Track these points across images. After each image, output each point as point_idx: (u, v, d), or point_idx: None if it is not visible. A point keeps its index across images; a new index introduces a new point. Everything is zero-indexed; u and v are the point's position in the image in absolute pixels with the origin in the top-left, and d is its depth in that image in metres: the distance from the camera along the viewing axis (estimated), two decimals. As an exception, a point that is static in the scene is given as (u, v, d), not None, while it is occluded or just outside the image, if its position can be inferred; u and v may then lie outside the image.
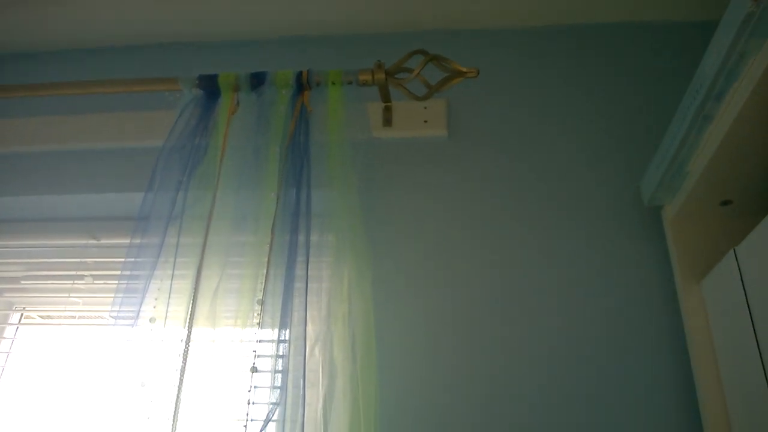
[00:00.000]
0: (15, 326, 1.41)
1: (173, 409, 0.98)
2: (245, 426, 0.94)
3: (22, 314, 1.42)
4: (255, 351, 1.00)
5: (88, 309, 1.33)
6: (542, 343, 1.12)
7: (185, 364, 1.00)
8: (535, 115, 1.37)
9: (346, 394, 0.98)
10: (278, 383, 0.98)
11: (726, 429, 0.97)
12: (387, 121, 1.36)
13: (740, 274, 0.92)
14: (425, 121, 1.36)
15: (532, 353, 1.12)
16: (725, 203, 1.07)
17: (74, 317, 1.35)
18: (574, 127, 1.35)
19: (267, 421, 0.94)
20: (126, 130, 1.44)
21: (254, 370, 0.99)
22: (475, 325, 1.15)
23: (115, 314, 1.10)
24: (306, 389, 0.97)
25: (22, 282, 1.40)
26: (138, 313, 1.07)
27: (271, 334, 1.02)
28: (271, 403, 0.96)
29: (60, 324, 1.34)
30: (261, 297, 1.06)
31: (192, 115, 1.28)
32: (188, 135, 1.26)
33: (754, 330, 0.87)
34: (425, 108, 1.37)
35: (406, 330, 1.16)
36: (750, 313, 0.88)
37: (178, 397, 0.99)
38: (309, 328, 1.02)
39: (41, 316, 1.46)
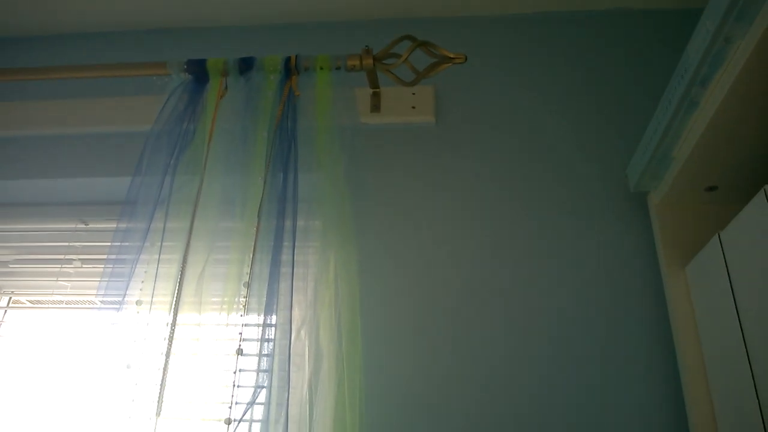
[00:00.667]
0: (3, 310, 1.41)
1: (158, 392, 0.98)
2: (230, 408, 0.95)
3: (10, 298, 1.42)
4: (241, 333, 1.00)
5: (76, 293, 1.33)
6: (526, 328, 1.13)
7: (171, 347, 1.01)
8: (521, 102, 1.37)
9: (331, 377, 0.98)
10: (264, 366, 0.99)
11: (710, 412, 0.97)
12: (375, 107, 1.36)
13: (724, 258, 0.92)
14: (413, 107, 1.36)
15: (516, 336, 1.12)
16: (710, 189, 1.07)
17: (62, 302, 1.35)
18: (560, 113, 1.35)
19: (251, 403, 0.95)
20: (115, 114, 1.43)
21: (240, 352, 0.99)
22: (459, 308, 1.16)
23: (101, 298, 1.10)
24: (291, 372, 0.97)
25: (11, 266, 1.39)
26: (124, 297, 1.07)
27: (257, 318, 1.02)
28: (257, 386, 0.96)
29: (48, 306, 1.34)
30: (247, 280, 1.06)
31: (180, 99, 1.27)
32: (176, 119, 1.25)
33: (737, 314, 0.88)
34: (413, 94, 1.37)
35: (392, 314, 1.17)
36: (734, 298, 0.89)
37: (163, 379, 0.99)
38: (295, 312, 1.03)
39: (30, 301, 1.46)
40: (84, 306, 1.37)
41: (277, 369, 0.97)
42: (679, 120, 0.97)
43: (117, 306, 1.07)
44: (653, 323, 1.10)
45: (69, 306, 1.36)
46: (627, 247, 1.18)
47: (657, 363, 1.07)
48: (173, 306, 1.05)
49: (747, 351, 0.85)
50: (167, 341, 1.01)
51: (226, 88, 1.28)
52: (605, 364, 1.08)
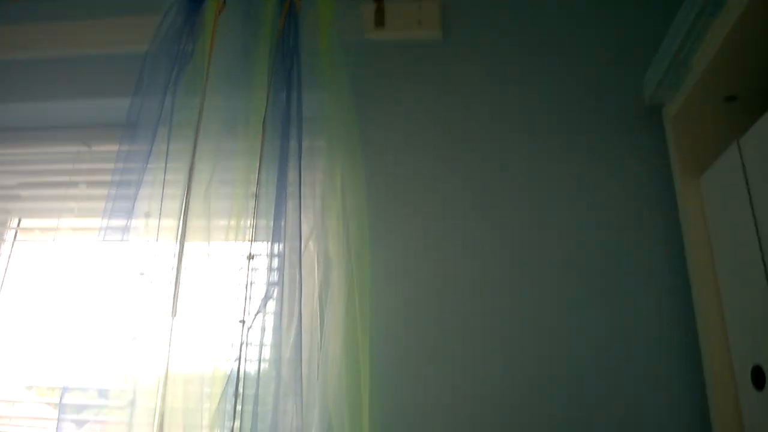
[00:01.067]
0: (13, 231, 1.41)
1: (173, 296, 0.99)
2: (244, 311, 0.95)
3: (19, 221, 1.41)
4: (251, 242, 1.00)
5: (83, 216, 1.31)
6: (541, 234, 1.12)
7: (181, 255, 1.01)
8: (530, 17, 1.31)
9: (341, 286, 0.99)
10: (275, 279, 0.99)
11: (720, 325, 0.97)
12: (379, 22, 1.30)
13: (743, 165, 0.90)
14: (419, 22, 1.30)
15: (527, 244, 1.12)
16: (730, 99, 1.03)
17: (70, 228, 1.34)
18: (574, 26, 1.29)
19: (257, 313, 0.96)
20: (113, 35, 1.38)
21: (251, 258, 0.99)
22: (468, 220, 1.15)
23: (107, 221, 1.10)
24: (302, 282, 0.98)
25: (17, 191, 1.38)
26: (130, 220, 1.07)
27: (266, 234, 1.02)
28: (267, 298, 0.97)
29: (57, 230, 1.32)
30: (254, 191, 1.05)
31: (177, 16, 1.24)
32: (173, 38, 1.22)
33: (755, 221, 0.86)
34: (419, 8, 1.31)
35: (400, 228, 1.15)
36: (751, 206, 0.87)
37: (176, 286, 1.00)
38: (304, 227, 1.02)
39: (39, 229, 1.46)
40: (92, 229, 1.35)
41: (287, 279, 0.98)
42: (701, 25, 0.92)
43: (124, 228, 1.07)
44: (666, 236, 1.09)
45: (78, 230, 1.35)
46: (640, 161, 1.15)
47: (668, 277, 1.07)
48: (181, 220, 1.04)
49: (762, 255, 0.84)
50: (176, 258, 1.01)
51: (224, 2, 1.23)
52: (615, 275, 1.08)
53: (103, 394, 1.05)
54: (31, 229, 1.43)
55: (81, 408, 1.12)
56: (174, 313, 0.98)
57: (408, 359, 1.07)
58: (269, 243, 1.01)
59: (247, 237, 1.02)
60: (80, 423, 1.17)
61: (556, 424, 1.00)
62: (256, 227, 1.04)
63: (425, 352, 1.07)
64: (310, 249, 1.02)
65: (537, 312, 1.07)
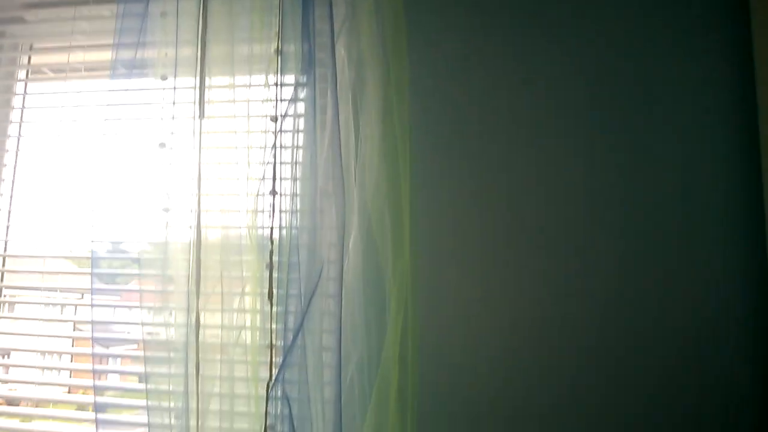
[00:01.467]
0: (25, 69, 1.35)
1: (198, 97, 0.96)
2: (275, 107, 0.91)
3: (31, 46, 1.34)
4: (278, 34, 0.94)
5: (96, 37, 1.22)
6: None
7: (204, 63, 0.95)
8: None
9: (376, 86, 0.93)
10: (302, 86, 0.93)
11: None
12: None
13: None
14: None
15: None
16: None
17: (81, 63, 1.25)
18: None
19: (288, 109, 0.91)
20: None
21: (278, 52, 0.93)
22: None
23: (117, 36, 1.03)
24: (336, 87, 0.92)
25: (21, 13, 1.29)
26: (145, 17, 1.00)
27: (293, 37, 0.94)
28: (296, 96, 0.91)
29: (67, 66, 1.25)
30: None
31: None
32: None
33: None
34: None
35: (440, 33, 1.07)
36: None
37: (201, 88, 0.95)
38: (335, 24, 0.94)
39: (51, 70, 1.39)
40: (104, 64, 1.27)
41: (318, 81, 0.92)
42: None
43: (141, 28, 1.00)
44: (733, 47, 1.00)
45: (89, 67, 1.27)
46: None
47: (733, 107, 1.00)
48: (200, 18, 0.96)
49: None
50: (198, 60, 0.95)
51: None
52: (683, 113, 1.02)
53: (135, 261, 1.04)
54: (41, 69, 1.36)
55: (113, 277, 1.12)
56: (201, 115, 0.93)
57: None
58: (296, 42, 0.93)
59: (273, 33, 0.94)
60: (114, 292, 1.18)
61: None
62: (281, 35, 0.95)
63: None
64: (341, 51, 0.95)
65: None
